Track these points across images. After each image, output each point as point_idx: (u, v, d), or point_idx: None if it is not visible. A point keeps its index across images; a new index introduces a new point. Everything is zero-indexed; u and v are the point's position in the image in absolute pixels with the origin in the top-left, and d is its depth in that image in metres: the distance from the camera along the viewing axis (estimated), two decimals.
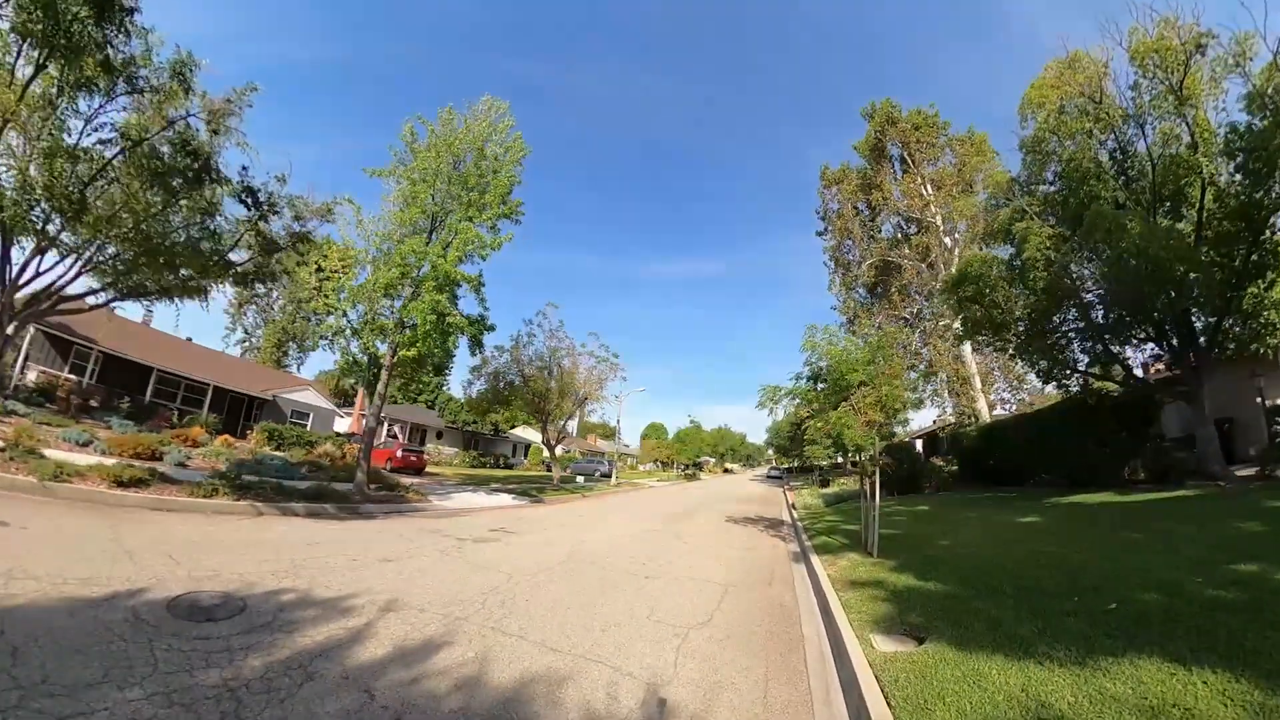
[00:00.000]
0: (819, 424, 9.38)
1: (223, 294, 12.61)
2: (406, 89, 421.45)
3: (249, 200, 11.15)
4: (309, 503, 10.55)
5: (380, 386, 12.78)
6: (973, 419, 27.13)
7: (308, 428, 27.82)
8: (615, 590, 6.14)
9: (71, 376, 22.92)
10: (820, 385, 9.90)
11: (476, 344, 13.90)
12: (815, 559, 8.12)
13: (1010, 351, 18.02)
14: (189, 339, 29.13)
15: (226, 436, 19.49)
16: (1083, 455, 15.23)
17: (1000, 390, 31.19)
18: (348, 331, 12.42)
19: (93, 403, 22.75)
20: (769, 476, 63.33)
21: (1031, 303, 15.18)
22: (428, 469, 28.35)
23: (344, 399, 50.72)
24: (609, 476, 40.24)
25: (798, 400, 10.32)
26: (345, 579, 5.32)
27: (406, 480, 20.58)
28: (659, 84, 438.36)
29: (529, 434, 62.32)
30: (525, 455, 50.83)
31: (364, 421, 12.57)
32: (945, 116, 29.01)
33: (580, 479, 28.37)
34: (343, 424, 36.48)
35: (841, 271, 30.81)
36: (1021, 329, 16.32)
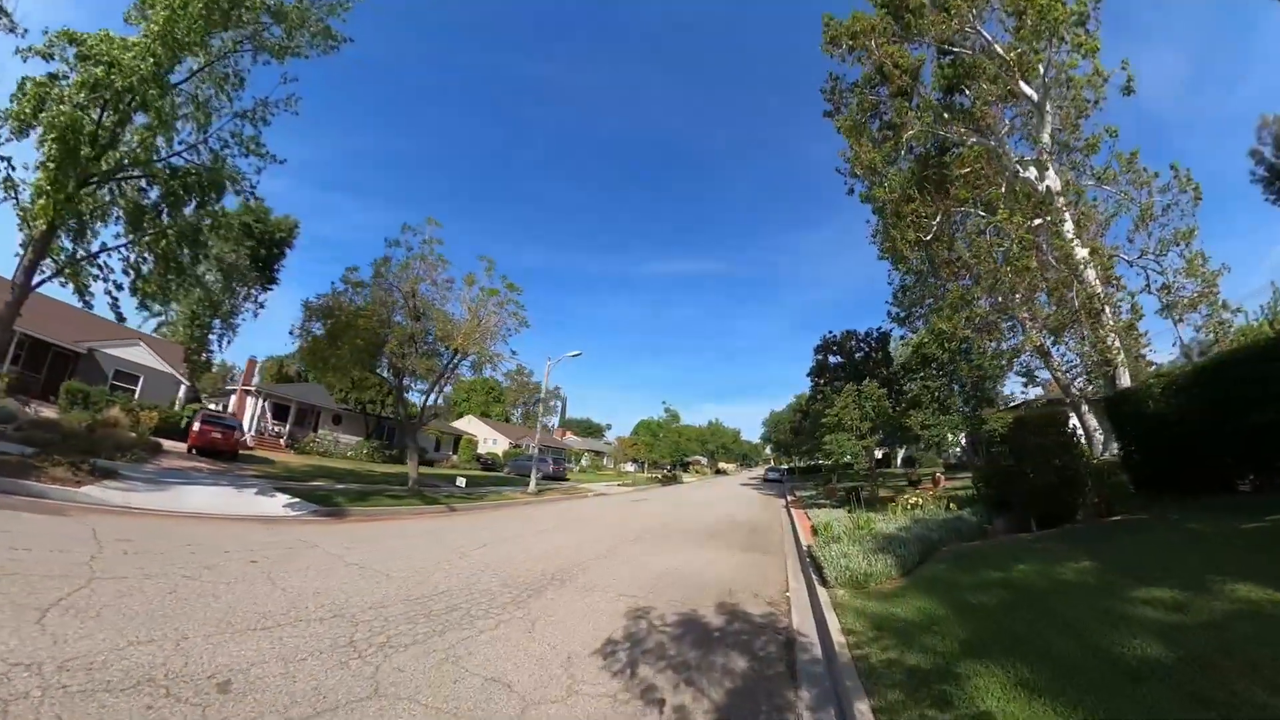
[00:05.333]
0: None
1: None
2: (404, 82, 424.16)
3: None
4: None
5: (17, 275, 8.86)
6: (1106, 373, 14.11)
7: (136, 393, 23.83)
8: None
9: None
10: None
11: (170, 202, 9.48)
12: None
13: None
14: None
15: None
16: None
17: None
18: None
19: None
20: (766, 480, 52.18)
21: None
22: (277, 455, 23.61)
23: (287, 379, 46.44)
24: (563, 478, 33.37)
25: None
26: None
27: (186, 464, 15.91)
28: (659, 81, 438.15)
29: (469, 426, 56.70)
30: (455, 450, 45.99)
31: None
32: None
33: (462, 481, 22.91)
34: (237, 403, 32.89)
35: (866, 170, 18.17)
36: None
